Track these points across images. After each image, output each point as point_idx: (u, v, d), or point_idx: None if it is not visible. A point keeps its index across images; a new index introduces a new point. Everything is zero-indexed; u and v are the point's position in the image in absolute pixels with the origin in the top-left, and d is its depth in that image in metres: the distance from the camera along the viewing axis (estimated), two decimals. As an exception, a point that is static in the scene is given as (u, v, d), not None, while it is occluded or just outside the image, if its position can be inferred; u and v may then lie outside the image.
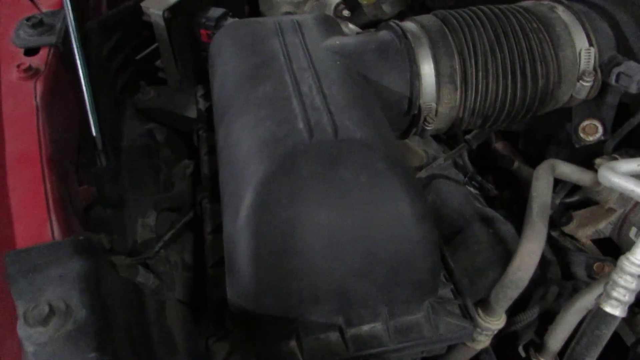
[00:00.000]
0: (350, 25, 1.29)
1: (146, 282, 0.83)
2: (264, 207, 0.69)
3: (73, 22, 0.85)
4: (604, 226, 1.08)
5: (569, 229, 1.10)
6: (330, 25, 1.04)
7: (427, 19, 0.99)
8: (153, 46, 1.29)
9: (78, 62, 0.85)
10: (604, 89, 1.01)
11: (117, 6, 1.23)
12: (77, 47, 0.85)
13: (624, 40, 0.98)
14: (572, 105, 1.05)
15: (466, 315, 0.78)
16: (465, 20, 0.97)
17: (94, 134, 0.86)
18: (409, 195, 0.71)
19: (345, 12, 1.26)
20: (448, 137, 1.40)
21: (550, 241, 1.08)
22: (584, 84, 0.97)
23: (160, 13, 1.18)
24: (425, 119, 0.96)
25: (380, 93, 0.93)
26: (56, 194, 0.74)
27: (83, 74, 0.85)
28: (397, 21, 0.99)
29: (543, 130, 1.21)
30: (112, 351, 0.58)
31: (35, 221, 0.70)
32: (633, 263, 0.74)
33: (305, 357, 0.74)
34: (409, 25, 0.98)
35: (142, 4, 1.20)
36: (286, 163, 0.70)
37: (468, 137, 1.23)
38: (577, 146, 1.08)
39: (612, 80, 0.96)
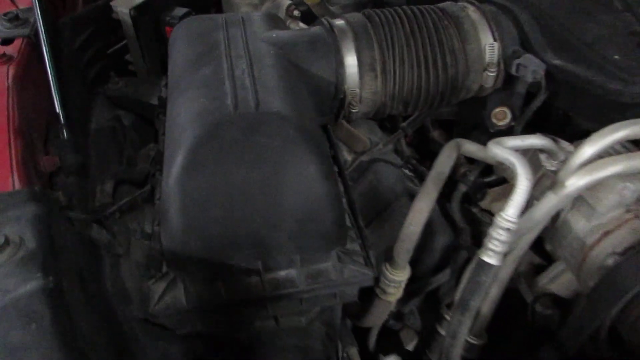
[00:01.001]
0: (301, 24, 1.44)
1: (100, 237, 0.97)
2: (192, 167, 0.83)
3: (41, 17, 0.99)
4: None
5: (485, 204, 1.24)
6: (273, 21, 1.18)
7: (355, 16, 1.14)
8: (123, 42, 1.43)
9: (44, 50, 0.99)
10: (511, 79, 1.15)
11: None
12: (44, 38, 0.99)
13: (525, 37, 1.12)
14: (486, 94, 1.19)
15: (368, 264, 0.92)
16: (386, 17, 1.11)
17: (58, 110, 0.99)
18: (315, 158, 0.85)
19: (296, 12, 1.41)
20: (392, 127, 1.54)
21: (466, 213, 1.22)
22: (490, 74, 1.12)
23: (127, 11, 1.32)
24: (350, 103, 1.10)
25: (310, 79, 1.07)
26: (19, 158, 0.87)
27: (49, 60, 1.00)
28: (328, 18, 1.13)
29: (470, 118, 1.35)
30: (56, 275, 0.72)
31: (0, 178, 0.84)
32: (504, 219, 0.88)
33: (228, 296, 0.88)
34: (338, 22, 1.12)
35: (112, 3, 1.35)
36: (212, 130, 0.84)
37: (403, 124, 1.38)
38: (491, 131, 1.23)
39: (513, 70, 1.10)
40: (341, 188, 1.08)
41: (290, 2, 1.42)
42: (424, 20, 1.11)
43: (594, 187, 1.00)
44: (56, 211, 0.83)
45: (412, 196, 1.29)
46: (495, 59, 1.11)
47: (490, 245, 0.90)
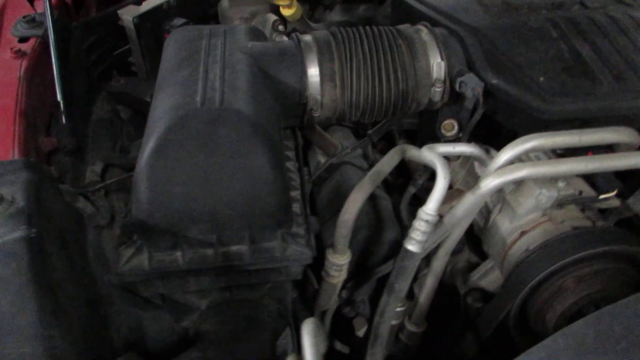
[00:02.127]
0: (284, 37, 1.61)
1: (84, 208, 1.13)
2: (160, 151, 0.99)
3: (51, 20, 1.18)
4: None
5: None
6: (254, 34, 1.35)
7: (322, 33, 1.30)
8: (127, 46, 1.62)
9: (52, 48, 1.17)
10: (459, 95, 1.29)
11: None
12: (52, 38, 1.17)
13: (470, 58, 1.27)
14: (437, 107, 1.34)
15: (309, 245, 1.07)
16: (348, 35, 1.27)
17: (59, 99, 1.17)
18: (265, 150, 1.01)
19: (281, 27, 1.58)
20: (363, 134, 1.69)
21: (414, 213, 1.35)
22: (437, 89, 1.26)
23: (131, 19, 1.51)
24: (312, 108, 1.26)
25: (277, 85, 1.23)
26: (21, 136, 1.05)
27: (55, 57, 1.18)
28: (298, 33, 1.30)
29: (427, 129, 1.49)
30: (38, 229, 0.88)
31: (3, 151, 1.02)
32: (425, 212, 1.02)
33: (185, 264, 1.03)
34: (306, 37, 1.28)
35: (119, 11, 1.53)
36: (179, 121, 1.01)
37: (369, 132, 1.53)
38: (442, 140, 1.37)
39: (457, 87, 1.24)
40: (298, 180, 1.24)
41: (276, 18, 1.58)
42: (381, 40, 1.26)
43: (517, 192, 1.14)
44: (46, 180, 1.00)
45: (370, 195, 1.44)
46: (441, 76, 1.25)
47: (413, 235, 1.04)
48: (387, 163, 1.17)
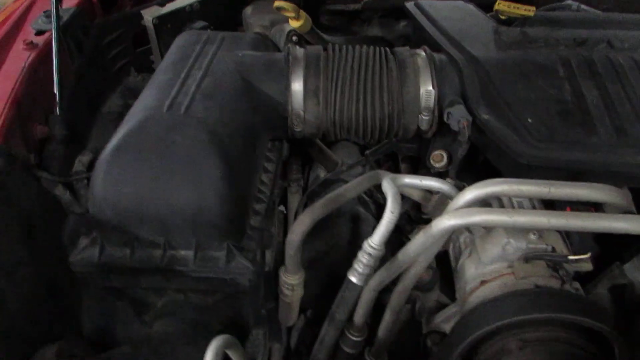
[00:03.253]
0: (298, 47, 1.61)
1: (62, 196, 1.19)
2: (119, 150, 1.02)
3: (55, 16, 1.26)
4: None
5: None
6: (259, 43, 1.37)
7: (315, 48, 1.28)
8: (149, 45, 1.69)
9: (54, 42, 1.25)
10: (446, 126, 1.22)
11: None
12: (55, 31, 1.25)
13: (464, 89, 1.20)
14: (428, 136, 1.27)
15: (255, 261, 1.06)
16: (339, 54, 1.25)
17: (55, 91, 1.25)
18: (218, 162, 1.01)
19: (294, 38, 1.58)
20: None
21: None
22: (424, 117, 1.20)
23: (151, 19, 1.57)
24: (294, 123, 1.24)
25: (261, 96, 1.23)
26: (8, 123, 1.12)
27: (55, 49, 1.25)
28: (291, 46, 1.29)
29: (423, 157, 1.43)
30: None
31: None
32: (369, 245, 0.98)
33: (132, 262, 1.05)
34: (299, 51, 1.27)
35: (142, 11, 1.60)
36: (142, 124, 1.04)
37: (367, 152, 1.49)
38: (432, 171, 1.30)
39: (445, 118, 1.18)
40: (268, 193, 1.22)
41: (291, 28, 1.58)
42: (372, 61, 1.23)
43: (486, 238, 1.06)
44: (16, 165, 1.07)
45: (353, 216, 1.40)
46: (430, 104, 1.19)
47: (356, 267, 1.00)
48: (354, 188, 1.13)
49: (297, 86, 1.22)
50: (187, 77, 1.16)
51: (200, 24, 1.64)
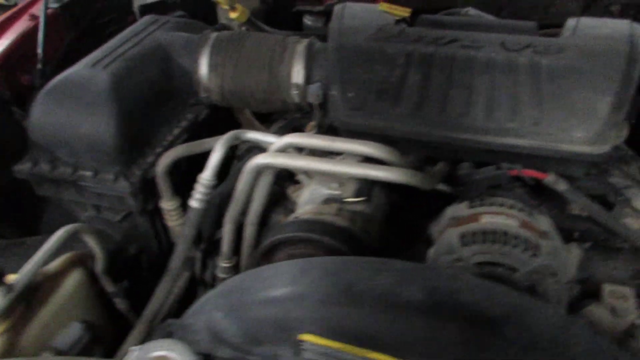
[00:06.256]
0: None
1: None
2: (49, 91, 1.42)
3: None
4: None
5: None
6: (190, 27, 1.72)
7: (227, 33, 1.60)
8: (141, 27, 2.10)
9: (41, 15, 1.69)
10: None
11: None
12: (44, 4, 1.69)
13: (329, 72, 1.45)
14: (307, 110, 1.54)
15: (131, 182, 1.40)
16: (239, 37, 1.56)
17: (39, 51, 1.69)
18: (116, 104, 1.37)
19: (243, 28, 1.91)
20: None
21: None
22: (294, 92, 1.48)
23: (137, 7, 1.99)
24: (201, 90, 1.57)
25: (177, 67, 1.58)
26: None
27: (43, 21, 1.69)
28: (211, 30, 1.62)
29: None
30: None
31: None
32: (202, 179, 1.28)
33: (54, 175, 1.44)
34: (212, 34, 1.60)
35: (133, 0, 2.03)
36: (70, 73, 1.44)
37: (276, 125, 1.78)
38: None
39: (306, 94, 1.45)
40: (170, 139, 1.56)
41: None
42: (265, 46, 1.52)
43: (305, 187, 1.32)
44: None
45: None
46: (299, 81, 1.47)
47: (195, 195, 1.31)
48: (215, 140, 1.42)
49: (203, 61, 1.55)
50: (120, 46, 1.54)
51: (178, 13, 2.03)
